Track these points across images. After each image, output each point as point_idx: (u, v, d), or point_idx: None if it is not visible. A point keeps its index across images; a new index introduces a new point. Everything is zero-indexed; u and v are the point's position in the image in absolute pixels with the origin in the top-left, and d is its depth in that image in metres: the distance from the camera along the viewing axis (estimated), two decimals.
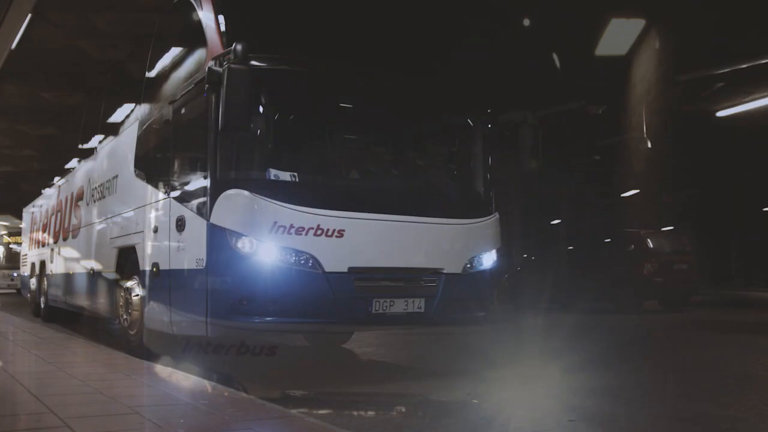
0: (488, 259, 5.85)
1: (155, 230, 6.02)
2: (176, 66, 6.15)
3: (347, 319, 5.12)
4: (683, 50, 10.18)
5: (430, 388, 5.33)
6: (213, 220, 4.90)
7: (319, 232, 4.93)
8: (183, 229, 5.39)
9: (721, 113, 14.43)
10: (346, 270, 5.05)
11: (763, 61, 11.20)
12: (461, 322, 5.87)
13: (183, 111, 5.62)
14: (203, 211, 5.04)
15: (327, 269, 4.95)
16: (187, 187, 5.45)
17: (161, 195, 6.01)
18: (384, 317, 5.23)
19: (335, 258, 4.99)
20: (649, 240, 14.62)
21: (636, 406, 4.55)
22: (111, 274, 7.42)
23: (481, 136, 6.10)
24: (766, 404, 4.54)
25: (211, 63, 4.75)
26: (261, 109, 4.85)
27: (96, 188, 8.32)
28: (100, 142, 8.79)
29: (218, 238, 4.87)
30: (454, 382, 5.42)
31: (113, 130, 8.18)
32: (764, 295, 22.06)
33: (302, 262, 4.89)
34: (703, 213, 28.68)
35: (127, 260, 7.05)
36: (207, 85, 4.67)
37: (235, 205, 4.85)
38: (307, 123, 5.42)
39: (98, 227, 8.13)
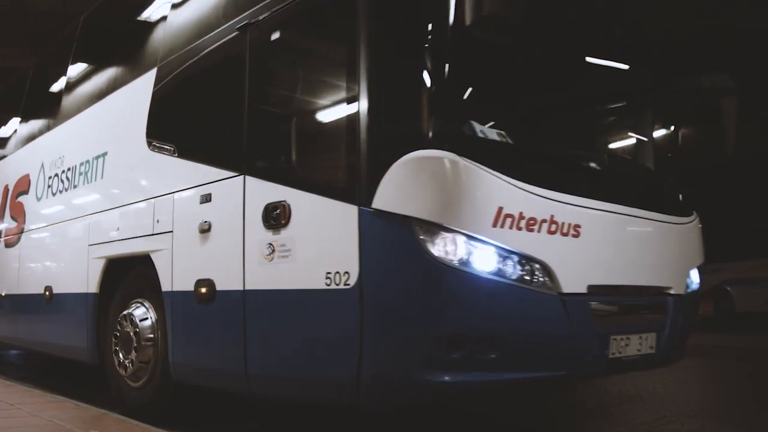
0: (696, 275, 4.10)
1: (204, 228, 3.81)
2: None
3: (582, 369, 3.19)
4: None
5: None
6: (379, 203, 2.81)
7: (553, 228, 2.98)
8: (284, 224, 3.26)
9: None
10: (584, 290, 3.12)
11: None
12: (671, 363, 4.07)
13: (280, 33, 3.47)
14: (349, 190, 2.94)
15: (564, 288, 3.00)
16: (298, 154, 3.32)
17: (217, 174, 3.81)
18: (620, 364, 3.34)
19: (571, 271, 3.05)
20: None
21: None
22: (89, 297, 5.04)
23: (675, 105, 4.38)
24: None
25: None
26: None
27: (58, 175, 5.85)
28: (58, 109, 6.31)
29: (391, 234, 2.79)
30: None
31: (89, 90, 5.79)
32: None
33: (531, 276, 2.91)
34: None
35: (122, 276, 4.77)
36: None
37: (430, 177, 2.78)
38: (541, 54, 3.41)
39: (63, 230, 5.66)
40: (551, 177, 3.07)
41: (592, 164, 3.56)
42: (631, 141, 4.22)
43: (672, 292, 3.72)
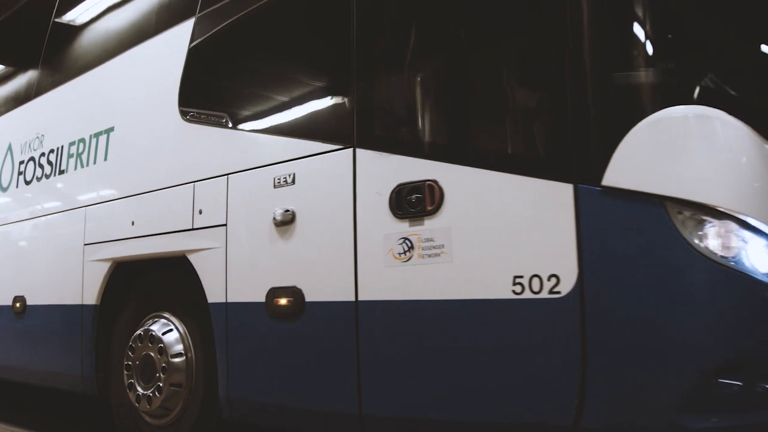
0: None
1: (284, 220, 2.87)
2: None
3: None
4: None
5: None
6: (613, 179, 2.01)
7: None
8: (430, 211, 2.39)
9: None
10: None
11: None
12: None
13: None
14: (559, 163, 2.12)
15: None
16: (455, 115, 2.45)
17: (305, 147, 2.89)
18: None
19: None
20: None
21: None
22: (86, 310, 3.97)
23: None
24: None
25: None
26: None
27: (35, 159, 4.70)
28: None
29: (634, 221, 2.00)
30: None
31: (84, 52, 4.69)
32: None
33: None
34: None
35: (133, 284, 3.77)
36: None
37: (700, 143, 2.00)
38: None
39: (41, 226, 4.52)
40: None
41: None
42: None
43: None
